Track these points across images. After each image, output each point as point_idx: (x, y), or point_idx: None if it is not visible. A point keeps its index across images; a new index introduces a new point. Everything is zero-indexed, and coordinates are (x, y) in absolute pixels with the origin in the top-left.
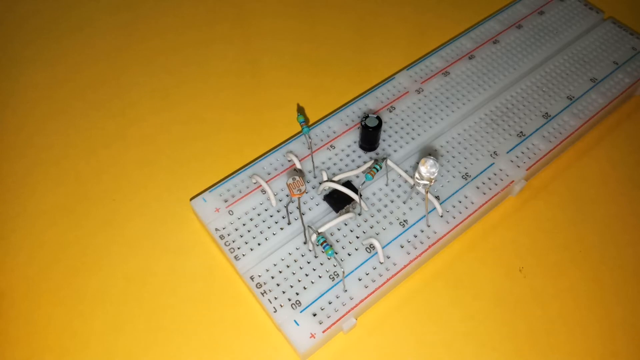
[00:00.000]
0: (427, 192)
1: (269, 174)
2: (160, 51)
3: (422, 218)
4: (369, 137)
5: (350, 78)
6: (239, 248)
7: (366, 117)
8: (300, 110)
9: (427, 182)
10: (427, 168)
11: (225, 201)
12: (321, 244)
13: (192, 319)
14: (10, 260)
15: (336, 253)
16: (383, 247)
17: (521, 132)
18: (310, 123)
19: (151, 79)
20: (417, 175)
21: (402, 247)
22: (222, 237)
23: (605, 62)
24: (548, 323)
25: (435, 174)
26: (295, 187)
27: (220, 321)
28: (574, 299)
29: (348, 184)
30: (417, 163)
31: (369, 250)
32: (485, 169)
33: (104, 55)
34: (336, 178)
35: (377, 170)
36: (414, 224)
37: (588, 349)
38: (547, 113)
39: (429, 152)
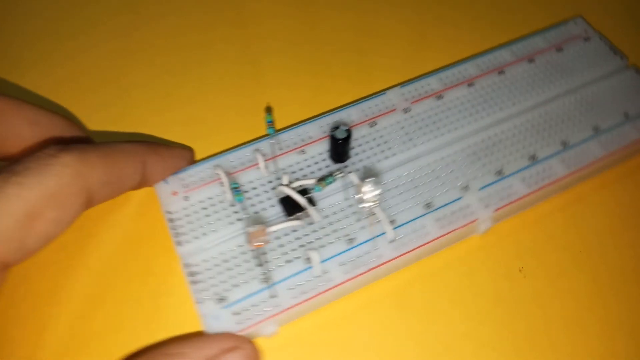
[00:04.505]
0: (371, 215)
1: (234, 168)
2: (161, 52)
3: (371, 239)
4: (337, 148)
5: (351, 79)
6: (184, 234)
7: (336, 127)
8: (269, 110)
9: (371, 204)
10: (368, 189)
11: (186, 186)
12: (234, 189)
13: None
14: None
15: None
16: (324, 261)
17: (500, 170)
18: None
19: (152, 80)
20: (360, 195)
21: (342, 264)
22: (171, 220)
23: (615, 112)
24: (548, 323)
25: (376, 196)
26: (254, 237)
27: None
28: (574, 299)
29: (305, 191)
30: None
31: (308, 261)
32: (450, 202)
33: (105, 57)
34: (297, 184)
35: (329, 183)
36: (361, 244)
37: (588, 349)
38: (534, 155)
39: (375, 174)
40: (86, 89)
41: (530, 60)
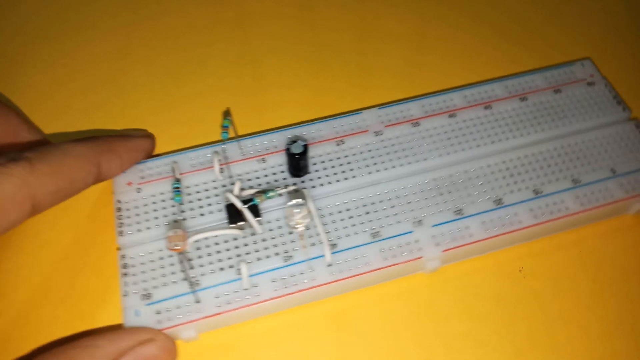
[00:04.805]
0: (301, 237)
1: (193, 167)
2: (160, 52)
3: (309, 259)
4: (293, 163)
5: (351, 80)
6: (128, 225)
7: (293, 142)
8: (227, 114)
9: (298, 226)
10: (293, 210)
11: (141, 178)
12: (175, 188)
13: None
14: (11, 259)
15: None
16: (256, 275)
17: (461, 210)
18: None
19: (151, 80)
20: (288, 218)
21: (274, 281)
22: (119, 209)
23: (601, 166)
24: (548, 323)
25: (302, 219)
26: (172, 241)
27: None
28: (574, 299)
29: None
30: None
31: (239, 272)
32: (399, 235)
33: (104, 56)
34: (245, 192)
35: (268, 198)
36: (297, 263)
37: (588, 349)
38: (500, 199)
39: (300, 195)
40: (86, 89)
41: (523, 98)
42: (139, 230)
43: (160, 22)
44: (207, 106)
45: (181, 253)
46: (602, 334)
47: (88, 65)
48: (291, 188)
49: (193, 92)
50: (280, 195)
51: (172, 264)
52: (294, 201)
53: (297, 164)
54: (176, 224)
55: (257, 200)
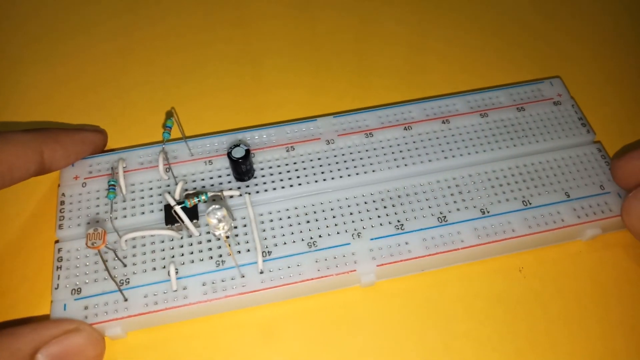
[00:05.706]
0: (227, 243)
1: (141, 165)
2: (160, 52)
3: (241, 265)
4: (235, 167)
5: (350, 80)
6: (69, 219)
7: (236, 145)
8: (170, 115)
9: (217, 232)
10: (213, 215)
11: (89, 173)
12: (110, 186)
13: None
14: (11, 259)
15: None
16: (185, 277)
17: (402, 225)
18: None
19: (151, 80)
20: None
21: (204, 284)
22: (62, 202)
23: (556, 189)
24: (548, 323)
25: (222, 222)
26: (90, 239)
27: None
28: (574, 299)
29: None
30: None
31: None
32: (336, 246)
33: (104, 56)
34: (186, 193)
35: (200, 202)
36: (229, 268)
37: (588, 349)
38: (445, 217)
39: (215, 198)
40: (86, 89)
41: (483, 114)
42: (78, 225)
43: (160, 23)
44: (207, 106)
45: (99, 251)
46: (602, 334)
47: (88, 65)
48: (228, 193)
49: (193, 92)
50: (205, 201)
51: (105, 261)
52: (210, 208)
53: (239, 168)
54: (97, 222)
55: (187, 203)
